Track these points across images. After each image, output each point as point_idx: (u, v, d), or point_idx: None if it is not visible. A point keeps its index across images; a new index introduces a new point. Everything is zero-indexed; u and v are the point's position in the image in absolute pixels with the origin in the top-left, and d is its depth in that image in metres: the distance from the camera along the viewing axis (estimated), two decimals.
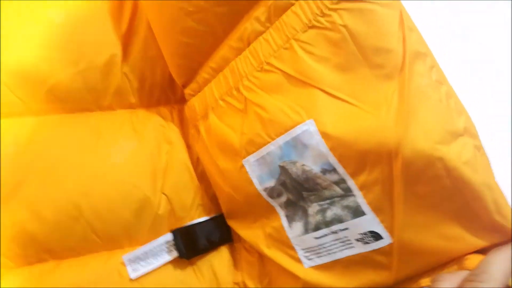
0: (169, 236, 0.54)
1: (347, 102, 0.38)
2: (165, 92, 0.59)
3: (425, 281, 0.39)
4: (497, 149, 0.38)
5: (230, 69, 0.46)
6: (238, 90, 0.46)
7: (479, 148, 0.37)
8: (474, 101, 0.38)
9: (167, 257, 0.54)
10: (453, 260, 0.38)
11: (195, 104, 0.52)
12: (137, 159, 0.56)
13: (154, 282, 0.53)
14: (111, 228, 0.53)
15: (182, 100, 0.58)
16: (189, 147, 0.58)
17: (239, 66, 0.45)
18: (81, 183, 0.52)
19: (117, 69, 0.56)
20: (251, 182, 0.46)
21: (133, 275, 0.52)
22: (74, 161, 0.52)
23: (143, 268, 0.52)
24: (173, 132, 0.58)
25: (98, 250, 0.53)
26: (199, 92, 0.51)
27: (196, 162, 0.57)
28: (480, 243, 0.36)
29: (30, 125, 0.53)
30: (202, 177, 0.57)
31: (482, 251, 0.36)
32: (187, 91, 0.53)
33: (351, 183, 0.39)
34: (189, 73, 0.51)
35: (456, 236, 0.37)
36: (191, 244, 0.54)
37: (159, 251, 0.54)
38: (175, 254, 0.54)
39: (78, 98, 0.55)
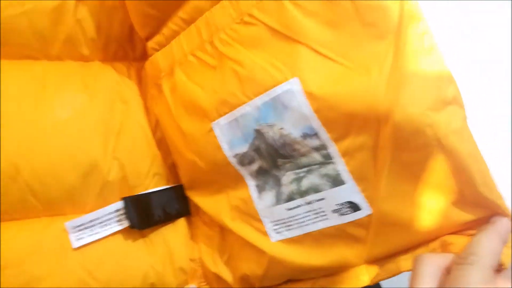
0: (119, 204, 0.49)
1: (335, 61, 0.35)
2: (123, 47, 0.53)
3: (404, 258, 0.37)
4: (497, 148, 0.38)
5: (204, 21, 0.42)
6: (212, 44, 0.41)
7: (465, 118, 0.36)
8: (479, 100, 0.37)
9: (116, 226, 0.48)
10: (433, 240, 0.37)
11: (159, 59, 0.47)
12: (85, 117, 0.49)
13: (99, 253, 0.47)
14: (52, 192, 0.47)
15: (142, 58, 0.52)
16: (147, 109, 0.53)
17: (215, 17, 0.41)
18: (19, 139, 0.45)
19: (69, 15, 0.49)
20: (219, 148, 0.42)
21: (76, 243, 0.46)
22: (12, 113, 0.45)
23: (88, 237, 0.47)
24: (130, 90, 0.52)
25: (37, 215, 0.46)
26: (164, 46, 0.46)
27: (154, 127, 0.52)
28: (464, 217, 0.34)
29: None
30: (161, 143, 0.52)
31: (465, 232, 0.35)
32: (150, 44, 0.48)
33: (333, 149, 0.37)
34: (155, 24, 0.46)
35: (439, 209, 0.35)
36: (144, 214, 0.49)
37: (108, 220, 0.48)
38: (125, 224, 0.48)
39: (22, 42, 0.47)
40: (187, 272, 0.50)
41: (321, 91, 0.35)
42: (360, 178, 0.37)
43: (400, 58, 0.33)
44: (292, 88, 0.36)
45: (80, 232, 0.48)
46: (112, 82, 0.52)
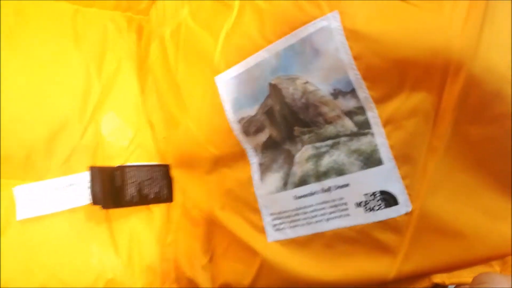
0: (85, 175, 0.39)
1: None
2: None
3: (448, 277, 0.27)
4: None
5: None
6: None
7: None
8: None
9: (75, 201, 0.38)
10: (486, 262, 0.26)
11: (165, 3, 0.39)
12: (66, 67, 0.41)
13: (47, 231, 0.37)
14: (10, 148, 0.37)
15: (146, 12, 0.44)
16: (142, 71, 0.44)
17: None
18: None
19: None
20: (220, 109, 0.33)
21: (20, 214, 0.36)
22: None
23: (37, 210, 0.37)
24: (127, 46, 0.44)
25: None
26: None
27: (147, 90, 0.43)
28: None
29: None
30: (152, 111, 0.43)
31: None
32: None
33: (373, 114, 0.27)
34: None
35: (503, 213, 0.25)
36: (114, 191, 0.38)
37: (68, 191, 0.38)
38: (88, 199, 0.38)
39: None
40: (156, 273, 0.39)
41: (368, 28, 0.26)
42: (403, 158, 0.27)
43: None
44: (329, 25, 0.27)
45: (30, 202, 0.37)
46: (106, 34, 0.44)
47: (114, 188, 0.39)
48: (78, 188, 0.39)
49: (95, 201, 0.38)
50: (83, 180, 0.39)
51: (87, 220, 0.39)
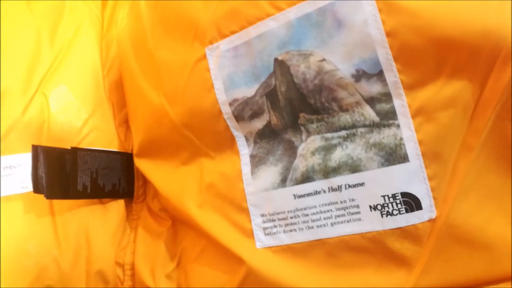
0: (27, 157, 0.31)
1: None
2: None
3: None
4: None
5: None
6: None
7: None
8: None
9: (12, 187, 0.31)
10: None
11: None
12: (13, 28, 0.35)
13: None
14: None
15: None
16: (106, 43, 0.37)
17: None
18: None
19: None
20: (209, 88, 0.28)
21: None
22: None
23: None
24: (88, 9, 0.37)
25: None
26: None
27: (109, 66, 0.37)
28: None
29: None
30: (114, 89, 0.36)
31: None
32: None
33: (401, 102, 0.23)
34: None
35: None
36: (61, 178, 0.31)
37: (4, 175, 0.31)
38: (27, 187, 0.31)
39: None
40: (108, 280, 0.32)
41: (407, 0, 0.22)
42: (433, 155, 0.23)
43: None
44: None
45: None
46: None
47: (62, 175, 0.32)
48: (17, 172, 0.31)
49: (37, 189, 0.30)
50: (24, 162, 0.31)
51: (25, 212, 0.31)
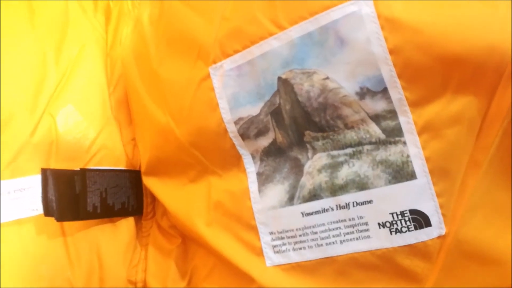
0: (36, 179, 0.32)
1: None
2: None
3: None
4: None
5: None
6: None
7: None
8: None
9: (24, 210, 0.31)
10: None
11: None
12: (19, 49, 0.35)
13: None
14: None
15: None
16: (111, 60, 0.38)
17: None
18: None
19: None
20: (214, 107, 0.28)
21: None
22: None
23: None
24: (92, 27, 0.37)
25: None
26: None
27: (115, 83, 0.37)
28: None
29: None
30: (120, 107, 0.36)
31: None
32: None
33: (407, 119, 0.23)
34: None
35: None
36: (71, 200, 0.32)
37: (15, 198, 0.31)
38: (37, 209, 0.31)
39: None
40: None
41: (410, 17, 0.22)
42: (440, 172, 0.23)
43: None
44: (359, 11, 0.23)
45: None
46: (67, 14, 0.37)
47: (72, 196, 0.32)
48: (28, 195, 0.31)
49: (48, 212, 0.31)
50: (34, 184, 0.32)
51: (37, 234, 0.32)
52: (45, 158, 0.33)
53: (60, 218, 0.31)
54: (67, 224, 0.32)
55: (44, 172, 0.31)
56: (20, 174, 0.32)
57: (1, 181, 0.31)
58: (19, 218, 0.31)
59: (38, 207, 0.31)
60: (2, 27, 0.35)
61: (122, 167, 0.36)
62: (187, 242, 0.32)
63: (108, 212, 0.33)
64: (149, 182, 0.33)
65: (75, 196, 0.32)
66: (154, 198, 0.35)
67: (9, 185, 0.31)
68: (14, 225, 0.31)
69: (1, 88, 0.33)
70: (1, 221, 0.31)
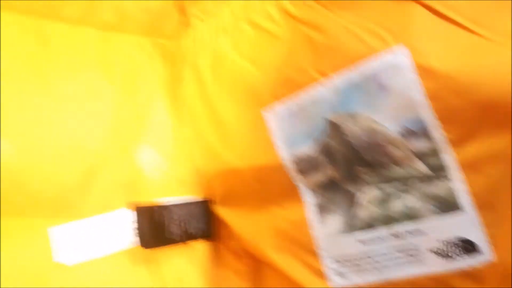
0: (126, 213, 0.37)
1: (463, 26, 0.24)
2: (151, 23, 0.43)
3: None
4: None
5: None
6: (279, 6, 0.31)
7: None
8: None
9: (119, 242, 0.36)
10: None
11: (200, 29, 0.36)
12: (97, 99, 0.39)
13: (85, 274, 0.35)
14: (42, 187, 0.36)
15: (172, 36, 0.42)
16: (174, 98, 0.42)
17: None
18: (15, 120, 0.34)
19: None
20: (271, 146, 0.31)
21: (59, 257, 0.35)
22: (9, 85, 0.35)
23: (78, 253, 0.35)
24: (157, 72, 0.42)
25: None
26: (210, 13, 0.36)
27: (182, 120, 0.41)
28: None
29: None
30: (189, 143, 0.40)
31: None
32: (191, 10, 0.37)
33: (449, 157, 0.25)
34: None
35: None
36: (158, 230, 0.36)
37: (109, 231, 0.36)
38: (133, 240, 0.36)
39: None
40: None
41: (444, 65, 0.23)
42: (485, 205, 0.24)
43: None
44: (397, 61, 0.25)
45: (69, 244, 0.36)
46: (135, 62, 0.42)
47: (157, 227, 0.37)
48: (120, 228, 0.37)
49: (143, 243, 0.36)
50: (125, 218, 0.37)
51: (130, 263, 0.37)
52: (130, 193, 0.38)
53: (149, 246, 0.36)
54: (151, 251, 0.37)
55: (138, 209, 0.36)
56: (110, 209, 0.38)
57: (98, 215, 0.37)
58: (118, 250, 0.36)
59: (133, 239, 0.36)
60: (80, 80, 0.39)
61: (192, 195, 0.40)
62: (256, 264, 0.36)
63: (186, 238, 0.38)
64: (220, 211, 0.37)
65: (158, 226, 0.37)
66: (220, 223, 0.39)
67: (104, 219, 0.37)
68: (108, 260, 0.36)
69: (87, 135, 0.38)
70: (104, 254, 0.36)
